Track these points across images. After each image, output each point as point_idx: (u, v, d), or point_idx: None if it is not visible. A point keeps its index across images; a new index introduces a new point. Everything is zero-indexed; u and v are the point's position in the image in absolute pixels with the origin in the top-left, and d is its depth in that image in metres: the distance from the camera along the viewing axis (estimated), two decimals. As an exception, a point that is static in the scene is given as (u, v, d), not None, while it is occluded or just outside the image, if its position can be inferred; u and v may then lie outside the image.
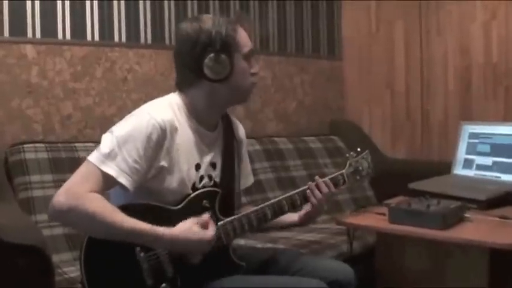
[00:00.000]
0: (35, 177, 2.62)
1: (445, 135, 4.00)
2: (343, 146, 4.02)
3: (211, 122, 1.95)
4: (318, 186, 2.06)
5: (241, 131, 2.14)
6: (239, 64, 1.87)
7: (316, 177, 2.08)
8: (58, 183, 2.56)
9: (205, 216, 1.77)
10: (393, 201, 2.39)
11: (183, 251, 1.73)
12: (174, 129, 1.81)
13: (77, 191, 1.64)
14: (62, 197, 1.63)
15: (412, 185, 2.67)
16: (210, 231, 1.73)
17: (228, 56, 1.83)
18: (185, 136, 1.85)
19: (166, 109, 1.84)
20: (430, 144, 4.12)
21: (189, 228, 1.69)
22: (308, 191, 2.06)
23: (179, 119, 1.85)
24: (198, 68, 1.83)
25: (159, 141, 1.76)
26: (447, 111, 4.01)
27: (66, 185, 1.66)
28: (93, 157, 1.71)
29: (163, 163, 1.78)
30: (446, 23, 3.97)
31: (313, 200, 2.05)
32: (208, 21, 1.85)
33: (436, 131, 4.08)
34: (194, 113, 1.90)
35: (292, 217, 2.12)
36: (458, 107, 3.94)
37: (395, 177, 3.27)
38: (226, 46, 1.83)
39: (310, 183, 2.07)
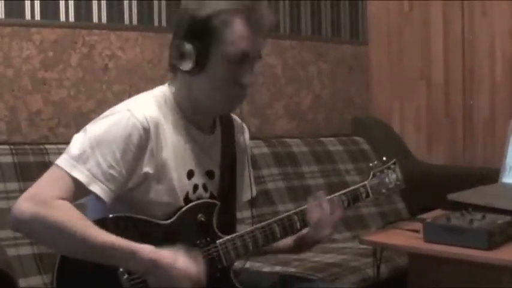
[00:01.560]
0: (-3, 186, 2.63)
1: (491, 136, 4.00)
2: (368, 149, 4.02)
3: (205, 123, 1.95)
4: (319, 205, 2.04)
5: (246, 134, 2.13)
6: (216, 64, 1.82)
7: (319, 194, 2.08)
8: (25, 193, 2.57)
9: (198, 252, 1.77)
10: (429, 216, 2.39)
11: (160, 281, 1.68)
12: (161, 128, 1.81)
13: (42, 197, 1.64)
14: (24, 204, 1.63)
15: (452, 196, 2.67)
16: (199, 268, 1.71)
17: (201, 47, 1.80)
18: (174, 137, 1.85)
19: (151, 104, 1.84)
20: (473, 147, 4.12)
21: (174, 255, 1.68)
22: (307, 207, 2.04)
23: (167, 116, 1.85)
24: (173, 51, 1.85)
25: (141, 144, 1.76)
26: (494, 107, 4.01)
27: (29, 191, 1.67)
28: (61, 160, 1.71)
29: (148, 169, 1.78)
30: (494, 1, 3.96)
31: (312, 219, 2.03)
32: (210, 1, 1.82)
33: (481, 131, 4.08)
34: (184, 110, 1.90)
35: (286, 241, 2.10)
36: (508, 102, 3.94)
37: (432, 186, 3.28)
38: (203, 35, 1.80)
39: (310, 201, 2.06)
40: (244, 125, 2.13)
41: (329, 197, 2.08)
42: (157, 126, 1.80)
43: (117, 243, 1.63)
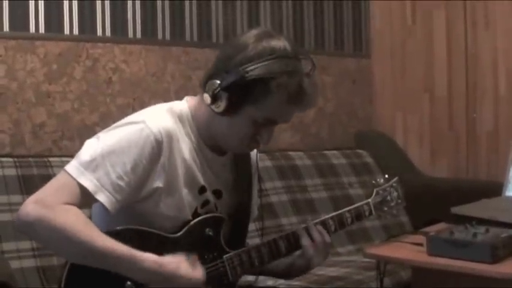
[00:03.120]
0: (1, 198, 2.63)
1: (495, 149, 4.00)
2: (371, 162, 4.02)
3: (218, 145, 1.94)
4: (308, 232, 2.00)
5: (255, 156, 2.12)
6: (242, 117, 1.81)
7: (308, 223, 2.04)
8: (29, 206, 2.57)
9: (193, 256, 1.75)
10: (432, 229, 2.39)
11: None
12: (174, 142, 1.81)
13: (47, 201, 1.64)
14: (29, 206, 1.63)
15: (456, 210, 2.67)
16: (200, 272, 1.71)
17: (236, 100, 1.78)
18: (187, 152, 1.86)
19: (166, 116, 1.84)
20: (476, 160, 4.12)
21: (178, 262, 1.68)
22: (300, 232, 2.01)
23: (181, 131, 1.85)
24: (207, 80, 1.82)
25: (153, 157, 1.76)
26: (497, 121, 4.01)
27: (36, 194, 1.67)
28: (71, 166, 1.71)
29: (158, 183, 1.78)
30: (497, 13, 3.97)
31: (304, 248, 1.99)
32: (276, 49, 1.78)
33: (484, 144, 4.07)
34: (200, 131, 1.90)
35: (282, 263, 2.07)
36: (511, 116, 3.94)
37: (435, 199, 3.27)
38: (242, 91, 1.77)
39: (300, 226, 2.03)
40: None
41: (315, 221, 2.05)
42: (170, 139, 1.80)
43: (119, 250, 1.63)
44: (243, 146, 1.89)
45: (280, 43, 1.80)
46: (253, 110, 1.79)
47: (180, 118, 1.87)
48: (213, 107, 1.79)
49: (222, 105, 1.78)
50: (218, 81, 1.77)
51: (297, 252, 2.02)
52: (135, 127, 1.76)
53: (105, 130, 1.80)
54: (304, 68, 1.82)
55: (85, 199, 1.69)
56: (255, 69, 1.75)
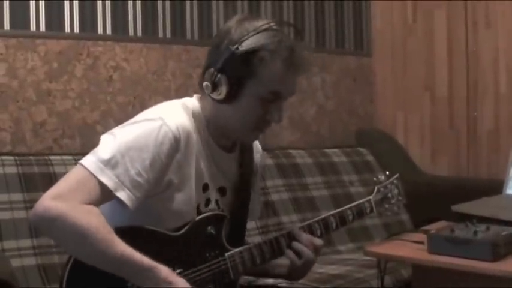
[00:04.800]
0: (1, 197, 2.63)
1: (495, 147, 4.00)
2: (372, 160, 4.02)
3: (226, 142, 1.95)
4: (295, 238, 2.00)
5: (261, 156, 2.14)
6: (247, 98, 1.82)
7: (295, 229, 2.01)
8: (30, 204, 2.57)
9: None
10: (433, 227, 2.38)
11: None
12: (190, 139, 1.82)
13: (69, 199, 1.62)
14: (50, 202, 1.61)
15: (456, 208, 2.66)
16: None
17: (235, 81, 1.79)
18: (197, 149, 1.86)
19: (183, 114, 1.84)
20: (477, 159, 4.11)
21: (188, 285, 1.67)
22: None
23: (194, 128, 1.85)
24: (204, 73, 1.84)
25: (171, 154, 1.76)
26: (498, 119, 4.01)
27: (54, 190, 1.65)
28: (89, 162, 1.69)
29: (173, 178, 1.79)
30: (497, 13, 3.97)
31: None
32: (258, 27, 1.81)
33: (485, 142, 4.07)
34: (209, 127, 1.90)
35: (281, 267, 2.06)
36: (512, 114, 3.95)
37: (436, 198, 3.27)
38: (239, 70, 1.79)
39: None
40: (260, 147, 2.14)
41: (316, 219, 2.05)
42: (187, 136, 1.80)
43: (137, 256, 1.62)
44: (255, 129, 1.89)
45: (262, 21, 1.84)
46: (254, 85, 1.80)
47: (193, 114, 1.87)
48: (215, 95, 1.81)
49: (223, 89, 1.80)
50: (213, 68, 1.80)
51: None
52: (154, 124, 1.76)
53: (120, 126, 1.80)
54: (291, 37, 1.86)
55: (104, 196, 1.68)
56: (243, 44, 1.78)
